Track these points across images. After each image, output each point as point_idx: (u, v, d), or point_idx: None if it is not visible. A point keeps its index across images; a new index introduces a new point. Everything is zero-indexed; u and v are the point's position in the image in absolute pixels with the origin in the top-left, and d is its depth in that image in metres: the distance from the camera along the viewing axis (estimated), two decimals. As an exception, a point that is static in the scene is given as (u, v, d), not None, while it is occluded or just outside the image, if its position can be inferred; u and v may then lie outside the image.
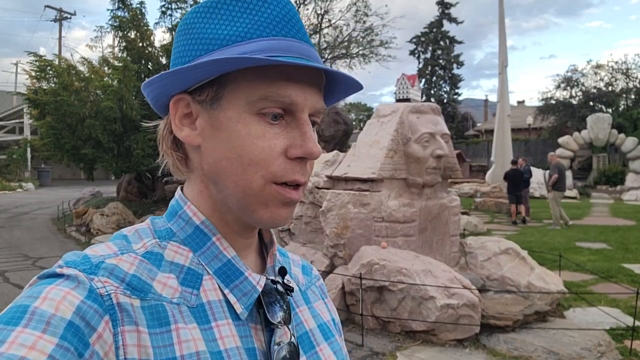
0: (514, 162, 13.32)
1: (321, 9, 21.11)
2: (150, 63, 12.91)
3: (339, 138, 15.00)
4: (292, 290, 0.68)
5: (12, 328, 0.46)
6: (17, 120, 29.68)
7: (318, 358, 0.68)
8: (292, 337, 0.64)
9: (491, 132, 26.51)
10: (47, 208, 15.89)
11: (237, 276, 0.62)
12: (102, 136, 11.41)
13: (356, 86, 0.67)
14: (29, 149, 26.31)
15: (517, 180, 12.71)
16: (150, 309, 0.55)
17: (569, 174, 20.38)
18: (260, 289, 0.63)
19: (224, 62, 0.56)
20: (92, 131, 11.36)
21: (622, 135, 21.54)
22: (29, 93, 12.36)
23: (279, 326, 0.63)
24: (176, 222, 0.64)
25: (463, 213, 9.76)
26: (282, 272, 0.69)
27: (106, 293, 0.52)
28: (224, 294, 0.61)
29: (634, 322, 4.42)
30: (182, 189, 0.68)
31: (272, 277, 0.67)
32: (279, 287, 0.66)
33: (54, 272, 0.53)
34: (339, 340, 0.76)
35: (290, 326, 0.64)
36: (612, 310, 5.24)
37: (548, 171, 12.35)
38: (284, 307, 0.65)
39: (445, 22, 40.38)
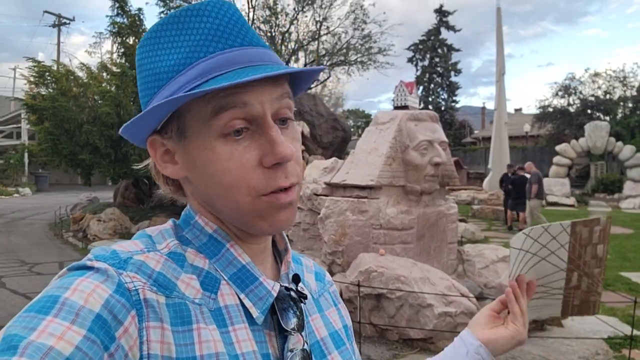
0: (521, 169, 13.30)
1: (320, 16, 21.19)
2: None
3: (337, 145, 15.03)
4: (305, 297, 0.68)
5: (43, 317, 0.47)
6: (15, 125, 29.64)
7: None
8: (305, 344, 0.64)
9: (488, 139, 26.59)
10: (45, 213, 15.83)
11: (252, 281, 0.63)
12: (99, 142, 11.40)
13: (315, 71, 0.67)
14: (26, 154, 26.21)
15: (522, 187, 12.69)
16: (175, 306, 0.56)
17: (566, 182, 20.43)
18: (275, 294, 0.63)
19: (164, 105, 0.56)
20: (89, 137, 11.35)
21: (619, 143, 21.60)
22: (27, 98, 12.36)
23: (293, 333, 0.63)
24: (190, 231, 0.65)
25: (460, 220, 9.76)
26: (296, 279, 0.70)
27: (134, 288, 0.54)
28: (240, 299, 0.62)
29: (632, 331, 4.41)
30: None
31: (286, 284, 0.67)
32: (293, 294, 0.67)
33: (84, 265, 0.54)
34: (350, 347, 0.76)
35: (303, 333, 0.65)
36: (610, 319, 5.23)
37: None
38: (297, 314, 0.65)
39: (443, 30, 40.62)
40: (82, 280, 0.51)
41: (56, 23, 33.68)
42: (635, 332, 4.37)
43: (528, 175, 12.61)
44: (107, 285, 0.52)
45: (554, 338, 4.53)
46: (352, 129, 24.54)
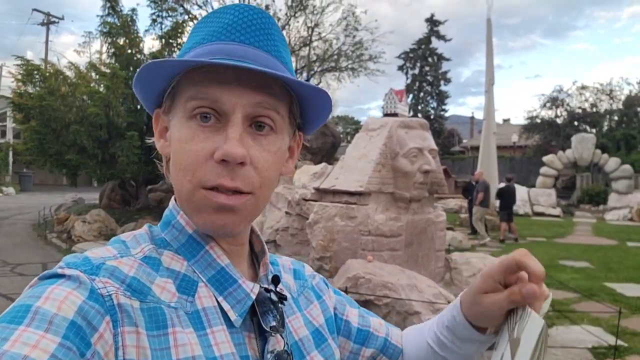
0: (508, 179, 13.39)
1: (312, 22, 21.24)
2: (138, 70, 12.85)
3: (326, 150, 15.04)
4: (285, 298, 0.68)
5: (15, 327, 0.46)
6: (0, 124, 29.27)
7: None
8: (286, 346, 0.64)
9: (477, 148, 26.78)
10: (28, 213, 15.60)
11: (230, 283, 0.62)
12: (87, 142, 11.28)
13: (321, 95, 0.64)
14: (10, 153, 25.93)
15: (510, 197, 12.77)
16: (150, 311, 0.55)
17: (552, 192, 20.63)
18: (254, 297, 0.62)
19: (148, 66, 0.59)
20: (77, 137, 11.23)
21: (605, 156, 21.88)
22: (13, 96, 12.20)
23: (272, 334, 0.63)
24: (170, 232, 0.64)
25: (448, 229, 9.79)
26: (275, 280, 0.69)
27: (107, 294, 0.53)
28: (218, 302, 0.61)
29: (616, 341, 4.44)
30: (175, 199, 0.68)
31: (266, 286, 0.66)
32: (272, 296, 0.66)
33: (55, 273, 0.54)
34: (332, 342, 0.75)
35: (283, 335, 0.64)
36: (595, 329, 5.26)
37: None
38: (277, 315, 0.65)
39: (433, 39, 40.93)
40: (54, 288, 0.50)
41: (45, 21, 33.38)
42: (619, 342, 4.40)
43: (517, 185, 12.71)
44: (79, 292, 0.51)
45: (539, 347, 4.55)
46: (341, 135, 24.57)
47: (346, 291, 4.56)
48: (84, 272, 0.53)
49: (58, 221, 12.12)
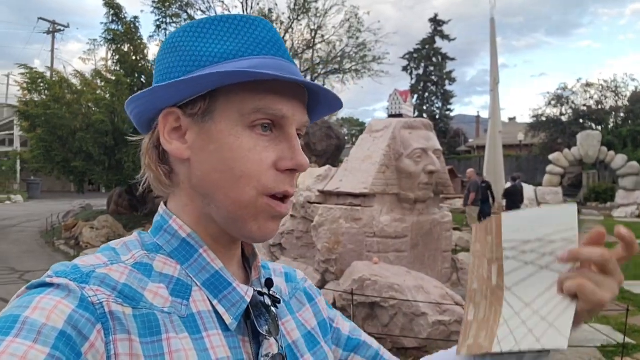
0: (514, 179, 13.35)
1: (314, 24, 21.28)
2: (143, 76, 12.93)
3: (331, 153, 15.04)
4: (279, 301, 0.68)
5: (3, 338, 0.45)
6: (7, 132, 29.54)
7: None
8: (280, 349, 0.64)
9: (483, 148, 26.68)
10: (36, 221, 15.70)
11: (225, 287, 0.62)
12: (93, 149, 11.36)
13: (336, 102, 0.69)
14: (18, 161, 26.13)
15: (516, 197, 12.73)
16: (142, 317, 0.55)
17: (559, 191, 20.53)
18: (248, 300, 0.63)
19: (224, 75, 0.58)
20: (83, 144, 11.31)
21: (611, 153, 21.74)
22: (19, 105, 12.31)
23: (267, 337, 0.63)
24: (162, 237, 0.64)
25: (455, 229, 9.77)
26: (269, 283, 0.69)
27: (98, 302, 0.52)
28: (213, 305, 0.61)
29: (624, 339, 4.42)
30: (165, 204, 0.68)
31: (259, 289, 0.67)
32: (266, 299, 0.66)
33: (43, 282, 0.53)
34: (325, 344, 0.76)
35: (277, 338, 0.65)
36: (603, 327, 5.23)
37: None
38: (270, 319, 0.65)
39: (437, 39, 40.83)
40: (42, 297, 0.50)
41: (50, 30, 33.65)
42: (628, 340, 4.37)
43: (523, 184, 12.67)
44: (69, 301, 0.50)
45: (547, 347, 4.53)
46: (346, 137, 24.58)
47: (352, 293, 4.57)
48: (74, 281, 0.53)
49: (66, 228, 12.20)
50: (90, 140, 11.31)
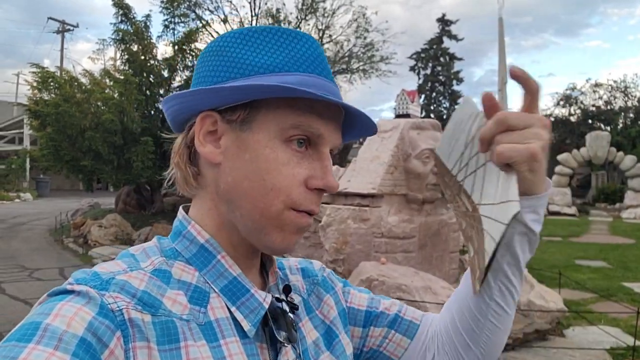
0: None
1: (322, 24, 21.26)
2: (152, 76, 12.98)
3: (338, 153, 15.05)
4: (297, 308, 0.68)
5: (25, 345, 0.46)
6: (17, 131, 29.71)
7: None
8: (298, 356, 0.65)
9: (490, 148, 26.49)
10: (45, 219, 15.82)
11: (243, 293, 0.63)
12: (102, 148, 11.42)
13: (371, 127, 0.70)
14: (28, 160, 26.30)
15: None
16: (161, 324, 0.55)
17: (567, 191, 20.40)
18: (267, 306, 0.63)
19: (271, 88, 0.58)
20: (92, 143, 11.37)
21: (620, 153, 21.57)
22: (30, 104, 12.39)
23: (285, 345, 0.63)
24: (180, 242, 0.65)
25: (462, 229, 9.74)
26: (287, 289, 0.70)
27: (118, 309, 0.53)
28: (230, 312, 0.61)
29: (634, 342, 4.39)
30: (184, 209, 0.68)
31: (277, 295, 0.67)
32: (284, 305, 0.67)
33: (64, 289, 0.53)
34: (345, 336, 0.76)
35: (295, 345, 0.65)
36: (613, 330, 5.21)
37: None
38: (289, 325, 0.65)
39: (445, 39, 40.66)
40: (63, 304, 0.50)
41: (60, 29, 33.86)
42: (638, 342, 4.35)
43: None
44: (89, 308, 0.51)
45: (556, 348, 4.51)
46: (353, 137, 24.50)
47: (360, 293, 4.57)
48: (94, 288, 0.53)
49: (75, 226, 12.29)
50: (99, 139, 11.37)
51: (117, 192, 15.68)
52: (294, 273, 0.79)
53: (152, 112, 13.12)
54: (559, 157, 22.32)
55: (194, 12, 17.36)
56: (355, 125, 0.70)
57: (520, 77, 0.60)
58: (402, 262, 5.19)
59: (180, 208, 0.69)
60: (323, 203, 6.00)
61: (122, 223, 11.62)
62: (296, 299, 0.73)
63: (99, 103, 12.12)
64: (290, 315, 0.67)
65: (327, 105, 0.62)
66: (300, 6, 20.10)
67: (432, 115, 37.27)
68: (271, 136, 0.61)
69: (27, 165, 27.58)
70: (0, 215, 16.95)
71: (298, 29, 0.66)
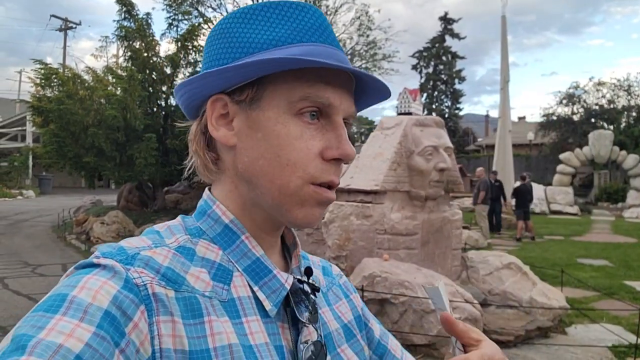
0: (522, 178, 13.35)
1: (325, 22, 21.25)
2: (154, 73, 12.99)
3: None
4: (318, 290, 0.68)
5: (52, 315, 0.47)
6: (20, 128, 29.77)
7: (340, 359, 0.69)
8: (319, 337, 0.64)
9: (492, 147, 26.53)
10: (48, 216, 15.87)
11: (265, 274, 0.63)
12: (105, 145, 11.45)
13: (385, 91, 0.68)
14: (30, 157, 26.36)
15: (526, 196, 12.73)
16: (184, 300, 0.56)
17: (570, 191, 20.38)
18: (288, 287, 0.63)
19: (274, 62, 0.58)
20: (95, 140, 11.40)
21: (623, 153, 21.55)
22: (33, 100, 12.42)
23: (306, 325, 0.64)
24: (205, 221, 0.65)
25: (464, 227, 9.74)
26: (308, 272, 0.70)
27: (142, 283, 0.53)
28: (253, 291, 0.62)
29: (637, 340, 4.39)
30: (209, 190, 0.69)
31: (299, 277, 0.67)
32: (306, 287, 0.67)
33: (91, 262, 0.54)
34: (362, 339, 0.76)
35: (316, 326, 0.65)
36: (615, 328, 5.21)
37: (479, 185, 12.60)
38: (310, 306, 0.65)
39: (447, 37, 40.64)
40: (89, 277, 0.51)
41: (62, 27, 33.88)
42: (640, 340, 4.35)
43: (533, 183, 12.67)
44: (114, 282, 0.51)
45: (558, 345, 4.52)
46: (355, 136, 24.57)
47: (362, 290, 4.58)
48: (119, 262, 0.54)
49: (77, 223, 12.31)
50: (102, 136, 11.39)
51: (119, 189, 15.71)
52: (316, 268, 0.80)
53: (155, 109, 13.15)
54: (562, 156, 22.30)
55: (197, 9, 17.37)
56: (367, 92, 0.69)
57: (450, 326, 0.62)
58: (404, 258, 5.20)
59: (206, 189, 0.69)
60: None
61: (124, 220, 11.64)
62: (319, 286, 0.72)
63: (101, 100, 12.15)
64: (312, 297, 0.67)
65: (336, 74, 0.62)
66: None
67: (434, 114, 37.19)
68: (281, 111, 0.61)
69: (30, 163, 27.64)
70: (3, 212, 17.00)
71: None
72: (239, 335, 0.57)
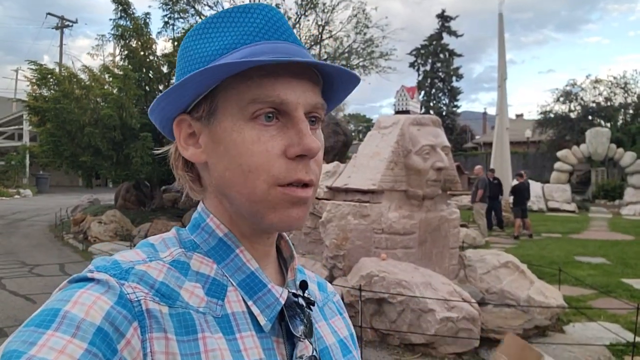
0: (520, 175, 13.39)
1: (322, 20, 21.20)
2: (151, 71, 12.96)
3: (338, 149, 15.01)
4: (313, 304, 0.67)
5: (43, 331, 0.46)
6: (17, 127, 29.69)
7: None
8: (314, 352, 0.64)
9: (490, 144, 26.56)
10: (45, 215, 15.82)
11: (260, 288, 0.63)
12: (101, 144, 11.42)
13: (353, 79, 0.66)
14: (27, 156, 26.30)
15: (523, 194, 12.78)
16: (178, 316, 0.55)
17: (567, 188, 20.42)
18: (283, 301, 0.63)
19: (207, 72, 0.57)
20: (91, 139, 11.36)
21: (620, 150, 21.59)
22: (29, 100, 12.38)
23: (301, 339, 0.63)
24: (199, 235, 0.65)
25: (462, 226, 9.75)
26: (303, 286, 0.69)
27: (136, 299, 0.53)
28: (247, 306, 0.61)
29: (634, 338, 4.40)
30: (204, 202, 0.68)
31: (294, 291, 0.66)
32: (301, 301, 0.66)
33: (85, 276, 0.54)
34: (356, 355, 0.76)
35: (311, 340, 0.64)
36: (612, 326, 5.22)
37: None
38: (305, 320, 0.65)
39: (445, 35, 40.61)
40: (82, 292, 0.51)
41: (59, 25, 33.78)
42: (638, 338, 4.35)
43: (530, 181, 12.70)
44: (108, 297, 0.51)
45: (556, 344, 4.52)
46: (353, 134, 24.55)
47: (360, 289, 4.58)
48: (113, 277, 0.53)
49: (74, 222, 12.29)
50: (98, 135, 11.36)
51: (116, 188, 15.68)
52: (312, 282, 0.79)
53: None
54: (559, 154, 22.33)
55: (194, 7, 17.32)
56: (336, 83, 0.66)
57: None
58: (402, 258, 5.20)
59: (201, 201, 0.69)
60: (323, 199, 6.00)
61: (122, 219, 11.62)
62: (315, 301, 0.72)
63: (98, 99, 12.11)
64: (308, 310, 0.66)
65: (287, 68, 0.59)
66: (299, 2, 20.04)
67: (431, 112, 37.24)
68: (235, 119, 0.60)
69: (27, 162, 27.58)
70: (0, 211, 16.95)
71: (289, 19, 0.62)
72: (233, 352, 0.56)
